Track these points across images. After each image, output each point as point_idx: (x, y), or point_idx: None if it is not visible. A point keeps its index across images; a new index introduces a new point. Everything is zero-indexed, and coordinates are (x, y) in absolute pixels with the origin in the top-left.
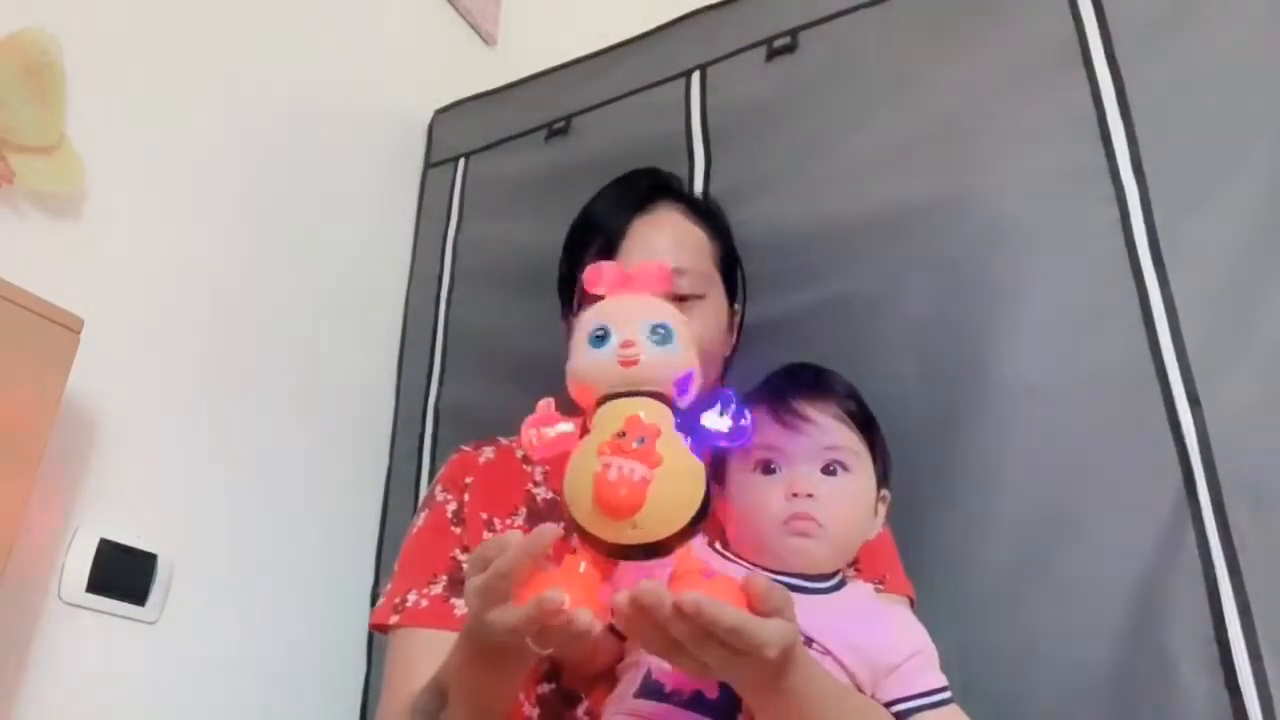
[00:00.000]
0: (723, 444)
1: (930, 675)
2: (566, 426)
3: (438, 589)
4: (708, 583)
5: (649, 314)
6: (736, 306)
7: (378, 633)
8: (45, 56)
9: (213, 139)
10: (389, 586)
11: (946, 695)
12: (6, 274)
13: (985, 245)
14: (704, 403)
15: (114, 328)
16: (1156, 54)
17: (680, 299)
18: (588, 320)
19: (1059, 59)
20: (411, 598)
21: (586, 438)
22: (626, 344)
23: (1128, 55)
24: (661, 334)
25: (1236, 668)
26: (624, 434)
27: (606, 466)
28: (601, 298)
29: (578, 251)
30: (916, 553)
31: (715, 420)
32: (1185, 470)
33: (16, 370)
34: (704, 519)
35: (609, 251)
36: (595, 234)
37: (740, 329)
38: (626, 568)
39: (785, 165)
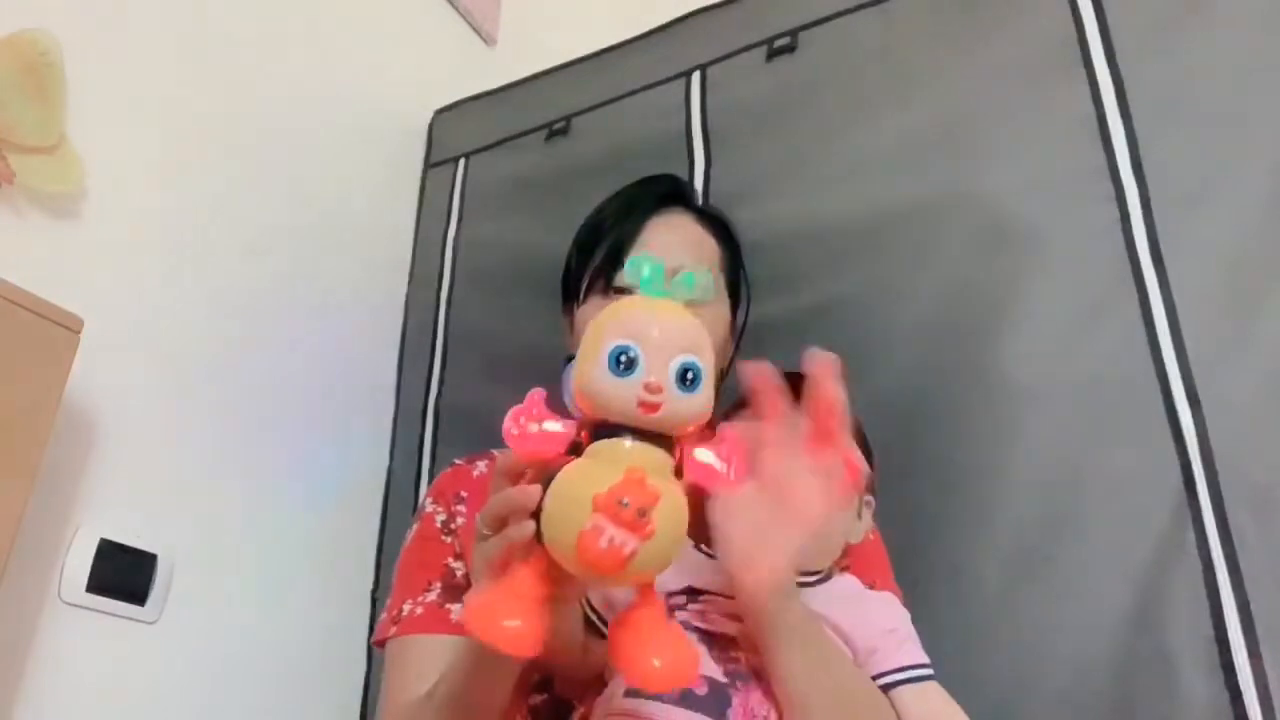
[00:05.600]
0: (715, 487)
1: (910, 651)
2: (555, 426)
3: (431, 596)
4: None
5: (680, 346)
6: (738, 318)
7: (380, 649)
8: (45, 56)
9: (213, 139)
10: (388, 602)
11: (927, 672)
12: (6, 274)
13: (985, 245)
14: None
15: (114, 328)
16: (1156, 54)
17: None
18: (610, 331)
19: (1059, 59)
20: (406, 608)
21: (579, 464)
22: (653, 388)
23: (1128, 55)
24: (690, 379)
25: (1236, 668)
26: (624, 501)
27: (598, 531)
28: (623, 291)
29: (588, 250)
30: (917, 553)
31: (712, 461)
32: (1185, 470)
33: (16, 370)
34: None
35: (618, 251)
36: (607, 234)
37: (739, 341)
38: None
39: (785, 165)
